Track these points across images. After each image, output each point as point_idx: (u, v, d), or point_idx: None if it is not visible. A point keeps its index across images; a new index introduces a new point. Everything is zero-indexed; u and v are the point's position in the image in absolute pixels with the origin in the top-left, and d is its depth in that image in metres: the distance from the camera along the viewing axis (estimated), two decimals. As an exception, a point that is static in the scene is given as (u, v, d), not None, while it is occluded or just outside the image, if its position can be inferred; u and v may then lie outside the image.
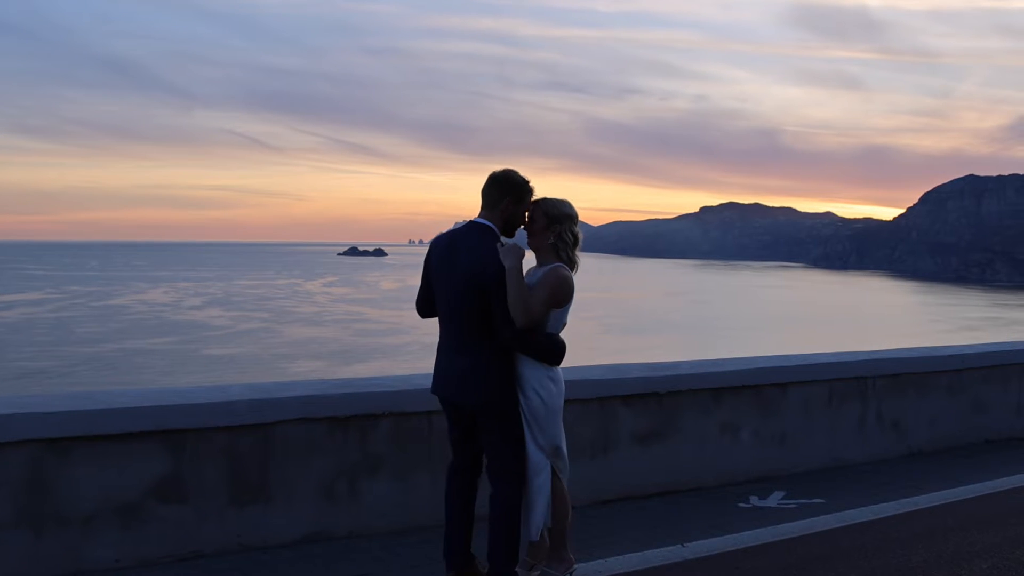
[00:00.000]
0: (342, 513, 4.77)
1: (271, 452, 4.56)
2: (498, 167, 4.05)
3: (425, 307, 4.14)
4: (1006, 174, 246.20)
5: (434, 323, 4.12)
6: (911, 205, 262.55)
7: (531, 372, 3.96)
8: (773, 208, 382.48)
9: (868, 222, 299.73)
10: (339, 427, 4.73)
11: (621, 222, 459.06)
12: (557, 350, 3.97)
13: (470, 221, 4.03)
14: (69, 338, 61.93)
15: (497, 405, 3.92)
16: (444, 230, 4.12)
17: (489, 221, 3.98)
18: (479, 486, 4.14)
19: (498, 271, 3.81)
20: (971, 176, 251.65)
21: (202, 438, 4.38)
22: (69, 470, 4.12)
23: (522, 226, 4.08)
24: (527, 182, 4.02)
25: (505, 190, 3.98)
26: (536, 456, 3.99)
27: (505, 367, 3.94)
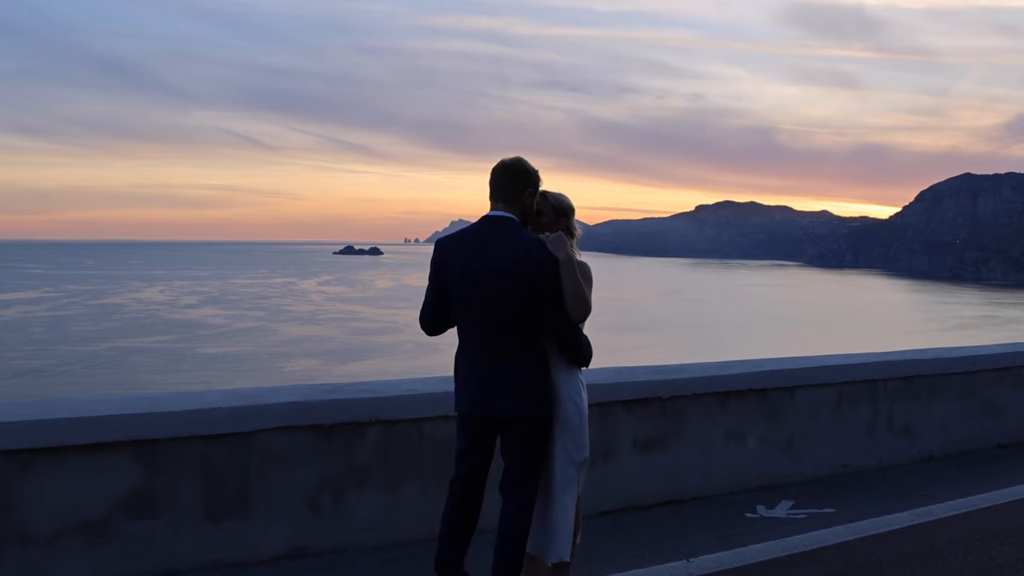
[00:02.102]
0: (326, 527, 4.48)
1: (251, 463, 4.27)
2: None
3: (438, 322, 3.78)
4: (1002, 173, 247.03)
5: None
6: (907, 204, 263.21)
7: (566, 378, 3.73)
8: (769, 207, 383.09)
9: (864, 221, 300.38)
10: (323, 436, 4.44)
11: (617, 220, 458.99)
12: (591, 351, 3.77)
13: (487, 216, 3.72)
14: (65, 337, 61.76)
15: (541, 419, 3.65)
16: (440, 230, 3.84)
17: (509, 213, 3.69)
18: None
19: (552, 263, 3.56)
20: (967, 175, 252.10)
21: (176, 448, 4.09)
22: (32, 484, 3.83)
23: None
24: (538, 171, 3.77)
25: (525, 181, 3.72)
26: (566, 470, 3.74)
27: (548, 374, 3.67)
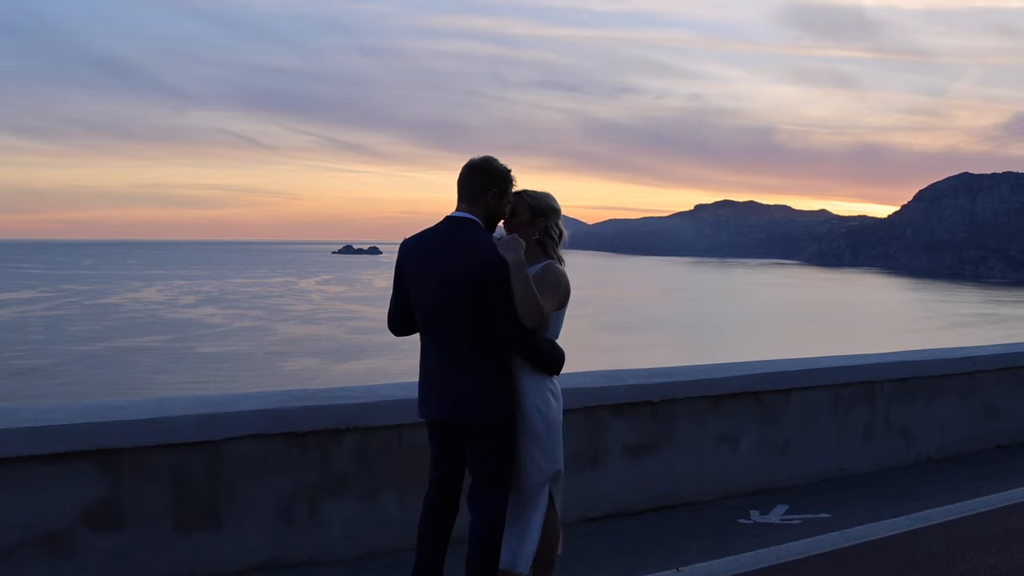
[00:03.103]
0: (301, 538, 4.32)
1: (221, 472, 4.10)
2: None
3: (402, 322, 3.68)
4: (1000, 172, 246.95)
5: None
6: (906, 203, 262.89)
7: (532, 386, 3.55)
8: (768, 206, 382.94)
9: (863, 220, 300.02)
10: (297, 444, 4.27)
11: (616, 220, 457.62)
12: (559, 358, 3.58)
13: (448, 217, 3.59)
14: (63, 337, 61.59)
15: (503, 425, 3.49)
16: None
17: (472, 215, 3.55)
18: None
19: (501, 266, 3.40)
20: (965, 174, 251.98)
21: (142, 458, 3.92)
22: (-11, 495, 3.67)
23: (501, 221, 3.67)
24: (510, 171, 3.61)
25: (490, 180, 3.56)
26: (535, 480, 3.58)
27: (511, 380, 3.52)
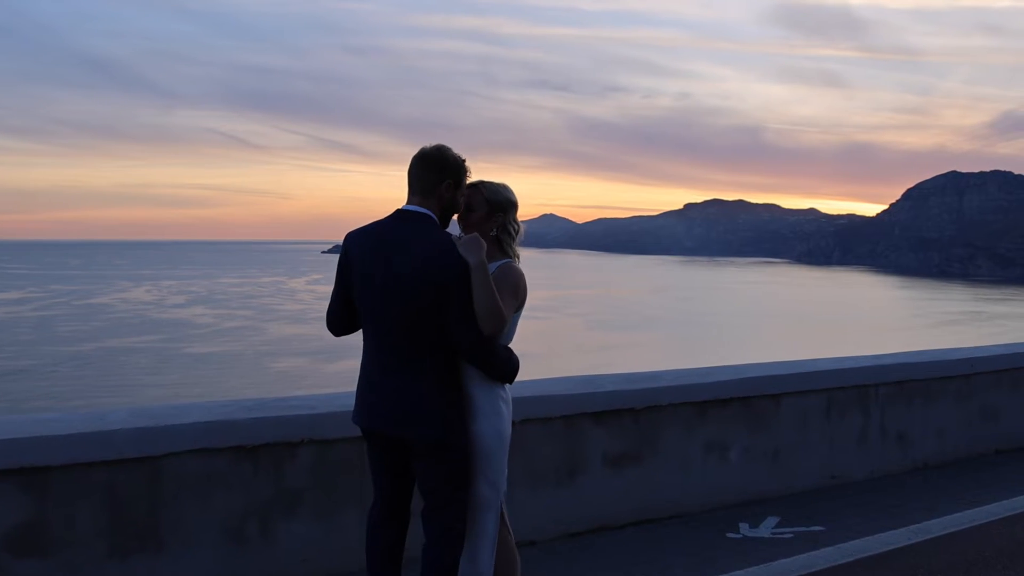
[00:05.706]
0: (253, 560, 3.97)
1: (161, 490, 3.76)
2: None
3: (341, 322, 3.40)
4: (987, 170, 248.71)
5: None
6: (894, 201, 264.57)
7: (483, 395, 3.25)
8: (757, 205, 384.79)
9: (851, 218, 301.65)
10: (247, 458, 3.93)
11: (606, 219, 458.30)
12: (514, 365, 3.27)
13: (399, 210, 3.28)
14: (51, 337, 61.15)
15: (448, 441, 3.17)
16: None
17: (426, 209, 3.24)
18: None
19: (462, 268, 3.10)
20: (953, 172, 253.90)
21: (72, 476, 3.57)
22: (-101, 519, 3.32)
23: (456, 215, 3.37)
24: (464, 161, 3.31)
25: (444, 172, 3.25)
26: (485, 497, 3.28)
27: (458, 391, 3.21)
